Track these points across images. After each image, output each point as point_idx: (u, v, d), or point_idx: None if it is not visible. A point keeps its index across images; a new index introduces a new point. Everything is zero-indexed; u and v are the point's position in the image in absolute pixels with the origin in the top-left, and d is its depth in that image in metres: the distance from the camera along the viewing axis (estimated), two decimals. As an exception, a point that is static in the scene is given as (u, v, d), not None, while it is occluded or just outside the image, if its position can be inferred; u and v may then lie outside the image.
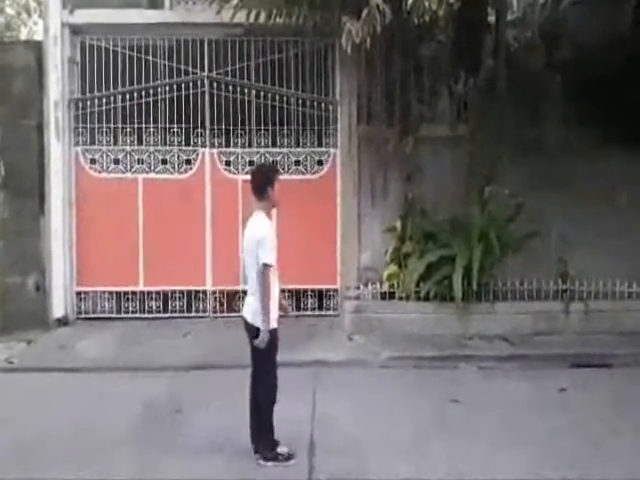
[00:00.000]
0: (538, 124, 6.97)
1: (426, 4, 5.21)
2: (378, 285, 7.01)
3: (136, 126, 7.54)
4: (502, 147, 6.84)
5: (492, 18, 7.09)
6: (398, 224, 7.17)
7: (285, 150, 7.65)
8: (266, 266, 3.85)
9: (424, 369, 5.91)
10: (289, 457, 3.99)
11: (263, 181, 4.02)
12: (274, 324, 3.96)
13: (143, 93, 7.48)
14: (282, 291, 4.27)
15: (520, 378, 5.64)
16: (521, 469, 3.92)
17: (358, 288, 7.12)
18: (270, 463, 3.95)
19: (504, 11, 7.01)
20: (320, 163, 7.69)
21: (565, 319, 6.74)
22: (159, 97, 7.50)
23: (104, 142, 7.56)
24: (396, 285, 6.96)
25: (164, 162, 7.61)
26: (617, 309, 6.75)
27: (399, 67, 6.98)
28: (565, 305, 6.79)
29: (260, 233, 3.90)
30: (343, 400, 5.05)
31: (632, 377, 5.59)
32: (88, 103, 7.51)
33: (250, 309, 4.02)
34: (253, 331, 3.97)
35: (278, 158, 7.64)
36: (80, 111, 7.50)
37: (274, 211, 4.30)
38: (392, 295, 6.96)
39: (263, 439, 4.01)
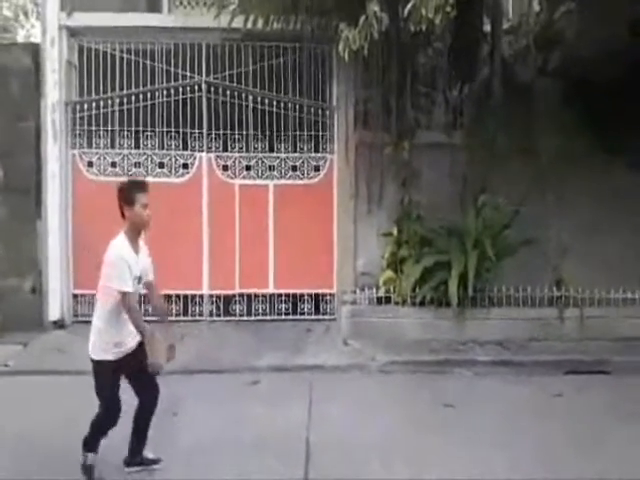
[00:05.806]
0: (533, 132, 7.03)
1: (423, 12, 5.24)
2: (374, 290, 7.03)
3: (134, 129, 7.55)
4: (497, 154, 6.89)
5: (488, 27, 7.16)
6: (394, 229, 7.21)
7: (282, 155, 7.68)
8: (123, 293, 3.71)
9: (419, 374, 5.93)
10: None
11: (120, 200, 3.78)
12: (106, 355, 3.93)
13: (141, 97, 7.49)
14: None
15: (515, 384, 5.67)
16: (513, 473, 3.94)
17: (354, 293, 7.14)
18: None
19: (500, 20, 7.09)
20: (317, 169, 7.72)
21: (560, 325, 6.76)
22: (157, 101, 7.52)
23: (101, 145, 7.57)
24: (392, 290, 6.98)
25: (161, 166, 7.62)
26: (612, 316, 6.77)
27: (395, 74, 7.02)
28: (560, 311, 6.82)
29: (107, 255, 3.74)
30: (339, 404, 5.07)
31: (627, 384, 5.61)
32: (85, 106, 7.52)
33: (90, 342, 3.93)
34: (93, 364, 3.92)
35: (275, 163, 7.67)
36: (77, 114, 7.51)
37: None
38: (388, 300, 6.98)
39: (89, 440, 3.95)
